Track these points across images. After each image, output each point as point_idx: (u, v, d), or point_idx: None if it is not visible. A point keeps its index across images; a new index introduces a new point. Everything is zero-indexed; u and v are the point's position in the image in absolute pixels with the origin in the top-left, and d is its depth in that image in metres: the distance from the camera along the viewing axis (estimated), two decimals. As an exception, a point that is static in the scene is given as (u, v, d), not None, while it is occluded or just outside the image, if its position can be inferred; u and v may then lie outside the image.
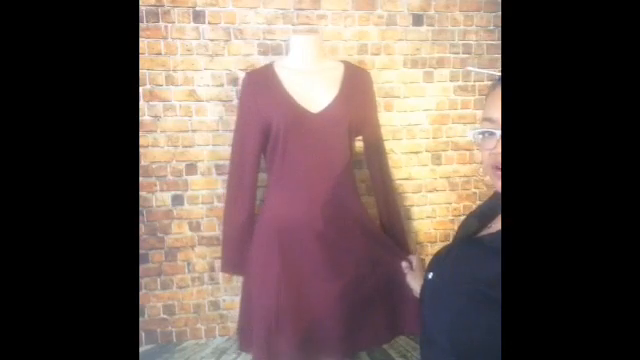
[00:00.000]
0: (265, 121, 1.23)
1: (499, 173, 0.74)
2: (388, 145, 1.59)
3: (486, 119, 0.75)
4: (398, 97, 1.58)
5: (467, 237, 0.88)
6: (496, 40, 1.61)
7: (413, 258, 1.22)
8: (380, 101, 1.56)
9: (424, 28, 1.56)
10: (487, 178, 0.85)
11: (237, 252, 1.32)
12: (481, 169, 0.81)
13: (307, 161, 1.22)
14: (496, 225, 0.83)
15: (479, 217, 0.90)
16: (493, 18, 1.60)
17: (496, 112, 0.73)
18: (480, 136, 0.76)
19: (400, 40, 1.55)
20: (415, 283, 1.12)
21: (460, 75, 1.60)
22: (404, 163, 1.62)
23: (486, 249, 0.79)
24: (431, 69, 1.59)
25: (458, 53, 1.60)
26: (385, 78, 1.56)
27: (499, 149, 0.73)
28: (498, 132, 0.72)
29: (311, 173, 1.22)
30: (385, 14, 1.53)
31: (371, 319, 1.30)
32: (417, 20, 1.55)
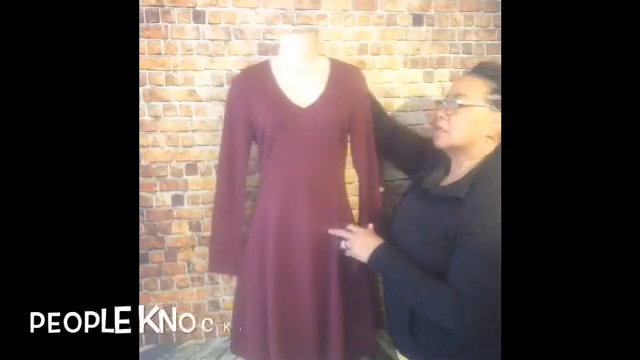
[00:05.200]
0: (253, 117, 1.24)
1: (437, 132, 1.12)
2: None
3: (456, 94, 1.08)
4: (398, 97, 1.58)
5: (416, 190, 1.18)
6: (496, 40, 1.61)
7: (369, 226, 1.22)
8: (380, 101, 1.56)
9: (424, 28, 1.56)
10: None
11: (223, 252, 1.32)
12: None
13: (294, 158, 1.22)
14: (440, 179, 1.15)
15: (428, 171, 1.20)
16: (493, 18, 1.60)
17: (463, 89, 1.08)
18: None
19: (400, 40, 1.55)
20: (362, 250, 1.14)
21: (460, 75, 1.60)
22: (404, 163, 1.62)
23: (432, 199, 1.08)
24: (431, 69, 1.59)
25: (458, 53, 1.60)
26: (385, 78, 1.56)
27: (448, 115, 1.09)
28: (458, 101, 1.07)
29: (299, 170, 1.22)
30: (385, 14, 1.53)
31: (362, 323, 1.30)
32: (417, 20, 1.55)
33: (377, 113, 1.42)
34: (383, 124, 1.42)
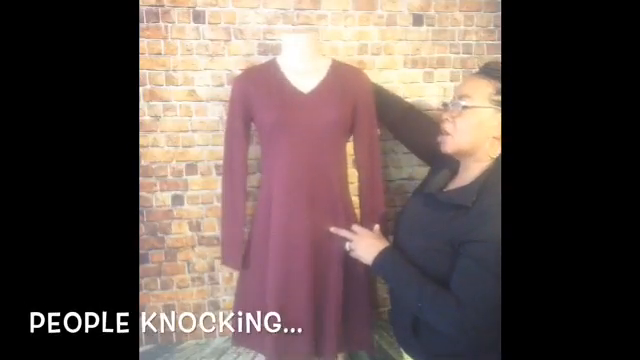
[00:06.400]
0: (253, 111, 1.26)
1: (442, 136, 1.08)
2: (388, 145, 1.59)
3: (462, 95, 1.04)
4: (398, 97, 1.58)
5: (422, 193, 1.15)
6: (496, 40, 1.61)
7: (375, 227, 1.22)
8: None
9: (424, 28, 1.56)
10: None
11: (229, 248, 1.34)
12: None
13: (296, 150, 1.22)
14: (446, 182, 1.13)
15: (435, 175, 1.17)
16: (493, 18, 1.60)
17: (467, 90, 1.05)
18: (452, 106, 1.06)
19: (400, 40, 1.55)
20: (366, 252, 1.14)
21: (460, 75, 1.60)
22: (404, 163, 1.62)
23: (438, 204, 1.06)
24: (431, 69, 1.59)
25: (458, 53, 1.60)
26: (385, 78, 1.56)
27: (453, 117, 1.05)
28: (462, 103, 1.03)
29: (300, 164, 1.22)
30: (385, 14, 1.53)
31: (359, 320, 1.31)
32: (417, 20, 1.55)
33: (386, 97, 1.42)
34: (393, 106, 1.42)
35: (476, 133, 1.03)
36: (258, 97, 1.25)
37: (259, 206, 1.31)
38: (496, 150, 1.04)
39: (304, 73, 1.26)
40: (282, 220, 1.23)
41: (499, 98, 1.00)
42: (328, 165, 1.25)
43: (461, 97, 1.05)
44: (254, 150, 1.41)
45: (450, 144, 1.07)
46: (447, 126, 1.07)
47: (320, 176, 1.24)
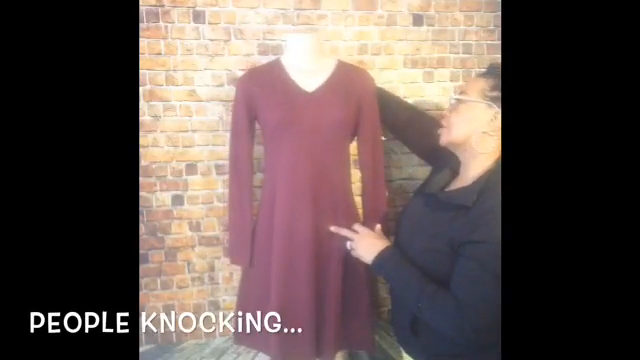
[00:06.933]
0: (258, 110, 1.26)
1: (443, 129, 1.11)
2: (388, 145, 1.59)
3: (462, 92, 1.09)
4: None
5: (423, 193, 1.16)
6: (496, 40, 1.61)
7: (376, 228, 1.22)
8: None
9: (424, 28, 1.56)
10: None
11: (236, 246, 1.35)
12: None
13: (299, 149, 1.23)
14: (447, 182, 1.14)
15: (437, 173, 1.18)
16: (493, 18, 1.60)
17: (465, 87, 1.10)
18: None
19: (400, 40, 1.55)
20: (366, 252, 1.14)
21: (460, 75, 1.60)
22: (404, 163, 1.62)
23: (439, 204, 1.06)
24: (431, 69, 1.59)
25: (458, 53, 1.60)
26: (385, 78, 1.56)
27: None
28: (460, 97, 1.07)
29: (303, 163, 1.23)
30: (385, 14, 1.53)
31: (359, 319, 1.31)
32: (417, 20, 1.55)
33: (387, 98, 1.42)
34: (394, 107, 1.42)
35: (467, 127, 1.05)
36: (263, 97, 1.25)
37: (262, 205, 1.32)
38: (485, 145, 1.04)
39: (308, 73, 1.26)
40: (285, 219, 1.23)
41: (494, 94, 1.02)
42: (331, 164, 1.25)
43: (459, 94, 1.09)
44: (255, 150, 1.41)
45: (445, 136, 1.11)
46: (443, 120, 1.12)
47: (323, 175, 1.24)
